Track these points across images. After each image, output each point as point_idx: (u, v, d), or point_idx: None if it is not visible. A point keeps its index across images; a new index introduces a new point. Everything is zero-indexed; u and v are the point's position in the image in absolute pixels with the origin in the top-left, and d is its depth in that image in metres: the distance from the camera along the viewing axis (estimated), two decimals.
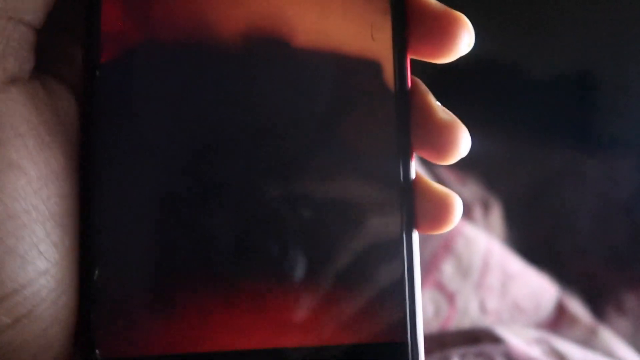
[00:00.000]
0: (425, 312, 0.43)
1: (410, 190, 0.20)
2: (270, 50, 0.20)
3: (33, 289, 0.17)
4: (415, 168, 0.20)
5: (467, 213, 0.53)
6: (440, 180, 0.56)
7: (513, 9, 0.78)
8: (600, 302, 0.61)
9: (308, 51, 0.20)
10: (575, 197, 0.74)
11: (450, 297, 0.44)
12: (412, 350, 0.20)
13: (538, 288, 0.48)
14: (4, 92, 0.17)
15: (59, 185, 0.18)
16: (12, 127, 0.17)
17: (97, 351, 0.18)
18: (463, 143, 0.20)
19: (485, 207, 0.59)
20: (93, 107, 0.19)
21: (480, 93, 0.77)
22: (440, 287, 0.44)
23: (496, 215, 0.61)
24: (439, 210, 0.20)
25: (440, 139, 0.20)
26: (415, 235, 0.20)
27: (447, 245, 0.44)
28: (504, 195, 0.66)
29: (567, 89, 0.81)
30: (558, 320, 0.48)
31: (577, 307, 0.51)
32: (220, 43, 0.19)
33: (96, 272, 0.18)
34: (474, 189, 0.60)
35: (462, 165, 0.63)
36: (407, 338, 0.20)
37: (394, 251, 0.20)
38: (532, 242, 0.64)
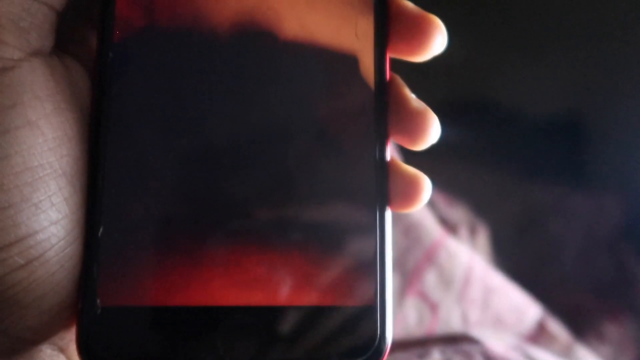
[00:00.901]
0: (408, 320, 0.44)
1: (385, 170, 0.22)
2: (261, 42, 0.22)
3: (44, 235, 0.18)
4: (390, 152, 0.22)
5: (453, 231, 0.55)
6: (428, 202, 0.58)
7: (505, 48, 0.81)
8: (582, 330, 0.62)
9: (298, 44, 0.22)
10: (561, 231, 0.76)
11: (432, 307, 0.46)
12: (380, 313, 0.21)
13: (521, 303, 0.50)
14: (27, 61, 0.19)
15: (71, 147, 0.19)
16: (32, 90, 0.19)
17: (97, 300, 0.20)
18: (433, 129, 0.22)
19: (472, 230, 0.61)
20: (103, 84, 0.21)
21: (473, 127, 0.80)
22: (424, 297, 0.46)
23: (483, 238, 0.63)
24: (410, 190, 0.22)
25: (413, 125, 0.22)
26: (389, 212, 0.22)
27: (430, 257, 0.46)
28: (492, 223, 0.68)
29: (556, 127, 0.84)
30: (538, 336, 0.49)
31: (558, 328, 0.52)
32: (216, 29, 0.22)
33: (100, 228, 0.20)
34: (461, 213, 0.62)
35: (452, 190, 0.65)
36: (376, 302, 0.21)
37: (369, 224, 0.22)
38: (518, 270, 0.66)
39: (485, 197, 0.73)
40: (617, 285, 0.70)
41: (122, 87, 0.21)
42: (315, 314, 0.21)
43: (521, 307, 0.50)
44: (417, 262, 0.45)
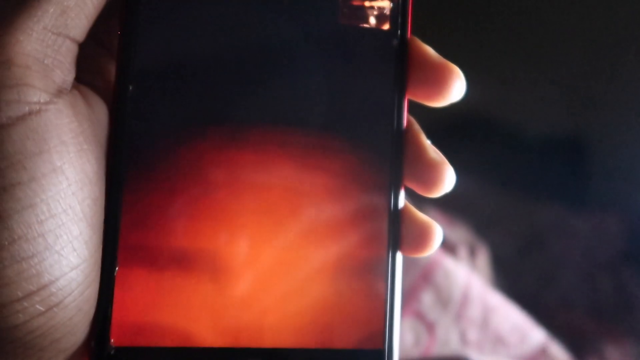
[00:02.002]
0: (404, 341, 0.44)
1: (398, 216, 0.23)
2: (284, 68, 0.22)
3: (65, 282, 0.19)
4: (404, 198, 0.23)
5: (452, 250, 0.55)
6: None
7: (511, 68, 0.82)
8: (583, 353, 0.61)
9: (318, 87, 0.23)
10: (562, 252, 0.76)
11: (429, 327, 0.45)
12: (388, 356, 0.22)
13: (522, 324, 0.50)
14: (53, 103, 0.19)
15: (91, 189, 0.20)
16: (58, 136, 0.19)
17: (111, 340, 0.20)
18: (448, 181, 0.22)
19: (472, 251, 0.61)
20: (122, 118, 0.21)
21: (475, 148, 0.80)
22: (420, 317, 0.45)
23: (482, 259, 0.62)
24: (421, 237, 0.23)
25: (428, 176, 0.22)
26: (400, 256, 0.23)
27: (426, 276, 0.45)
28: (492, 244, 0.68)
29: (558, 148, 0.84)
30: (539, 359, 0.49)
31: (560, 352, 0.52)
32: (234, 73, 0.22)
33: (115, 269, 0.20)
34: (461, 233, 0.62)
35: (453, 210, 0.65)
36: (384, 346, 0.22)
37: (380, 267, 0.23)
38: (518, 291, 0.65)
39: (486, 217, 0.73)
40: (618, 308, 0.70)
41: (140, 121, 0.21)
42: (326, 356, 0.22)
43: (523, 328, 0.50)
44: (413, 281, 0.45)
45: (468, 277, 0.47)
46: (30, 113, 0.18)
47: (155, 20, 0.21)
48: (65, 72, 0.20)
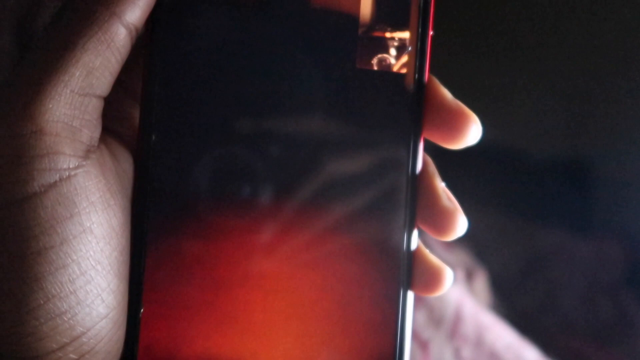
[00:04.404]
0: None
1: (411, 257, 0.24)
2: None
3: (95, 331, 0.21)
4: (417, 240, 0.25)
5: None
6: (427, 244, 0.59)
7: (512, 91, 0.83)
8: None
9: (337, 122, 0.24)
10: (563, 276, 0.76)
11: (423, 345, 0.47)
12: None
13: (517, 343, 0.51)
14: (81, 167, 0.21)
15: (118, 241, 0.21)
16: (86, 197, 0.21)
17: None
18: (460, 228, 0.24)
19: (470, 274, 0.62)
20: (145, 169, 0.23)
21: (475, 172, 0.81)
22: (414, 335, 0.47)
23: (481, 283, 0.63)
24: (432, 279, 0.24)
25: (441, 222, 0.24)
26: (411, 294, 0.25)
27: (418, 297, 0.47)
28: (492, 268, 0.69)
29: (558, 172, 0.85)
30: None
31: None
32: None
33: (141, 311, 0.22)
34: (460, 257, 0.63)
35: None
36: None
37: (392, 305, 0.24)
38: (518, 314, 0.66)
39: (486, 241, 0.74)
40: (618, 332, 0.70)
41: (164, 170, 0.23)
42: None
43: (517, 347, 0.51)
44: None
45: (460, 296, 0.49)
46: (60, 179, 0.20)
47: (179, 68, 0.22)
48: (92, 129, 0.21)
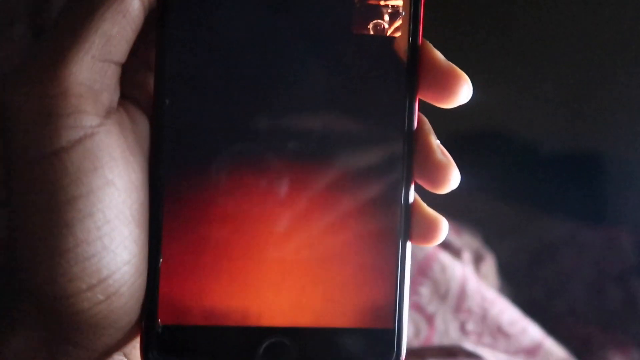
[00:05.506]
0: None
1: (408, 209, 0.26)
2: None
3: (120, 275, 0.23)
4: (414, 193, 0.26)
5: (456, 255, 0.57)
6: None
7: (524, 80, 0.84)
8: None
9: (337, 84, 0.25)
10: (572, 264, 0.77)
11: (429, 319, 0.48)
12: (397, 336, 0.25)
13: (520, 318, 0.52)
14: (103, 125, 0.22)
15: (138, 194, 0.23)
16: (109, 153, 0.22)
17: (158, 320, 0.24)
18: (453, 181, 0.25)
19: (478, 257, 0.63)
20: (160, 130, 0.24)
21: (486, 160, 0.82)
22: (419, 309, 0.48)
23: (490, 267, 0.65)
24: (429, 229, 0.26)
25: (436, 175, 0.25)
26: (409, 245, 0.26)
27: (423, 271, 0.48)
28: (502, 254, 0.70)
29: (569, 161, 0.86)
30: (536, 352, 0.51)
31: (556, 348, 0.54)
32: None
33: (160, 260, 0.24)
34: (468, 241, 0.64)
35: (461, 219, 0.68)
36: (394, 325, 0.25)
37: (391, 255, 0.26)
38: (526, 301, 0.67)
39: (496, 228, 0.75)
40: (626, 318, 0.71)
41: (177, 131, 0.24)
42: (339, 335, 0.25)
43: (521, 321, 0.52)
44: (411, 276, 0.48)
45: (464, 271, 0.50)
46: (85, 136, 0.22)
47: (188, 37, 0.24)
48: (111, 93, 0.23)
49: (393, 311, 0.25)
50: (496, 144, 0.87)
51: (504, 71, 0.84)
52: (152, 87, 0.24)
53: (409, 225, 0.26)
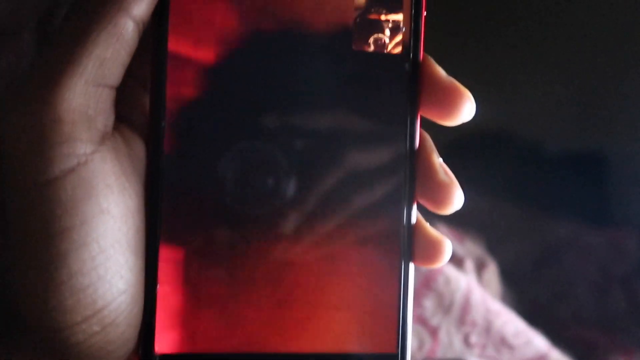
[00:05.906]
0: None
1: (411, 231, 0.25)
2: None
3: (115, 304, 0.22)
4: (417, 213, 0.25)
5: (459, 264, 0.57)
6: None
7: (524, 82, 0.83)
8: None
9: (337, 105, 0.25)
10: (576, 267, 0.77)
11: (433, 331, 0.48)
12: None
13: (525, 329, 0.52)
14: (98, 152, 0.22)
15: (133, 221, 0.23)
16: (103, 180, 0.22)
17: (155, 348, 0.24)
18: (456, 202, 0.25)
19: (480, 265, 0.63)
20: (157, 152, 0.24)
21: (491, 163, 0.82)
22: (423, 322, 0.48)
23: (492, 274, 0.64)
24: (433, 251, 0.25)
25: (438, 196, 0.25)
26: (412, 266, 0.25)
27: (427, 283, 0.48)
28: (503, 258, 0.69)
29: (573, 163, 0.86)
30: None
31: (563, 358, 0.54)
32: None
33: (157, 287, 0.24)
34: (470, 248, 0.64)
35: (463, 225, 0.67)
36: (397, 350, 0.25)
37: (394, 278, 0.25)
38: (530, 305, 0.67)
39: (499, 231, 0.74)
40: (630, 322, 0.71)
41: (173, 154, 0.24)
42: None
43: (526, 333, 0.52)
44: (415, 289, 0.47)
45: (468, 283, 0.50)
46: (79, 164, 0.21)
47: (184, 57, 0.24)
48: (106, 117, 0.22)
49: (396, 335, 0.25)
50: (499, 146, 0.86)
51: (507, 73, 0.83)
52: (147, 108, 0.24)
53: (412, 248, 0.25)
